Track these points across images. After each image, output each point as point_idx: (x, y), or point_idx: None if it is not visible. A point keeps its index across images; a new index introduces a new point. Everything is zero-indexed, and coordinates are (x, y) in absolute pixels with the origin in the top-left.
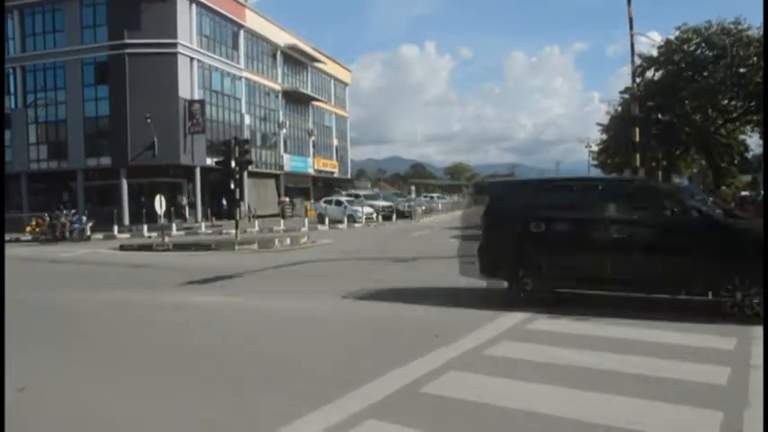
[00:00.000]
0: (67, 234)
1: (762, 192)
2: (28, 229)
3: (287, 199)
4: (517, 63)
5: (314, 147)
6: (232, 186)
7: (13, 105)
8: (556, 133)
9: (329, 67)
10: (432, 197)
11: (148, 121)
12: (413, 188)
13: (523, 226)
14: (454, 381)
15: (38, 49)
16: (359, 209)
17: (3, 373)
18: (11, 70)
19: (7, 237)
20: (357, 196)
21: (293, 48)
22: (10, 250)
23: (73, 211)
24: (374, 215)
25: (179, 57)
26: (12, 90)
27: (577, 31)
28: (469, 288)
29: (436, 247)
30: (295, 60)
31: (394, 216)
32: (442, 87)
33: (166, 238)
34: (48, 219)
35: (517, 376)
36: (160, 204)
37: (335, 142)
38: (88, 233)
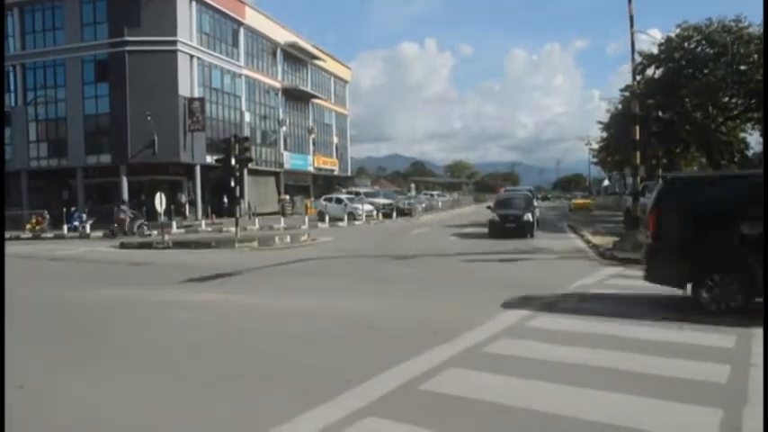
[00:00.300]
0: (134, 229)
1: None
2: (28, 226)
3: (287, 197)
4: (517, 61)
5: (314, 144)
6: (232, 184)
7: (13, 103)
8: (556, 131)
9: (329, 64)
10: (432, 195)
11: (148, 118)
12: (413, 186)
13: (731, 227)
14: (453, 378)
15: (38, 46)
16: (359, 206)
17: (3, 371)
18: (11, 68)
19: (7, 234)
20: (357, 194)
21: (293, 45)
22: (10, 248)
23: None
24: (374, 213)
25: (179, 54)
26: (12, 88)
27: (578, 28)
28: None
29: (437, 245)
30: (295, 58)
31: (394, 214)
32: (443, 85)
33: (166, 236)
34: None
35: (516, 373)
36: (160, 202)
37: (335, 140)
38: (88, 231)
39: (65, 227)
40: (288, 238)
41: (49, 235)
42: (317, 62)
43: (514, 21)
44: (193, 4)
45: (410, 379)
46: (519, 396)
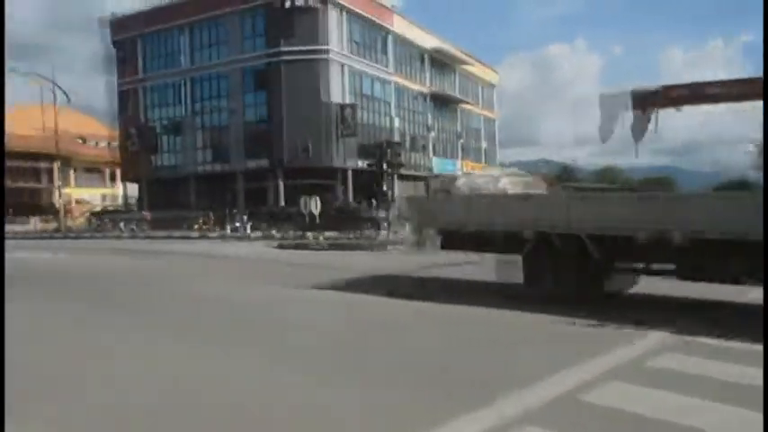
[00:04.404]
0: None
1: None
2: (196, 226)
3: None
4: (674, 58)
5: (462, 150)
6: (384, 188)
7: (183, 113)
8: (714, 133)
9: (476, 68)
10: None
11: (302, 124)
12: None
13: None
14: (616, 391)
15: (204, 60)
16: None
17: (3, 371)
18: (182, 81)
19: (178, 233)
20: None
21: (439, 51)
22: (185, 245)
23: None
24: None
25: (331, 63)
26: (182, 100)
27: (747, 20)
28: None
29: None
30: (441, 63)
31: None
32: (593, 86)
33: (321, 238)
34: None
35: (681, 390)
36: (315, 205)
37: (484, 144)
38: (248, 232)
39: (227, 228)
40: None
41: (214, 235)
42: (463, 67)
43: (671, 17)
44: (343, 14)
45: (570, 389)
46: (685, 413)
